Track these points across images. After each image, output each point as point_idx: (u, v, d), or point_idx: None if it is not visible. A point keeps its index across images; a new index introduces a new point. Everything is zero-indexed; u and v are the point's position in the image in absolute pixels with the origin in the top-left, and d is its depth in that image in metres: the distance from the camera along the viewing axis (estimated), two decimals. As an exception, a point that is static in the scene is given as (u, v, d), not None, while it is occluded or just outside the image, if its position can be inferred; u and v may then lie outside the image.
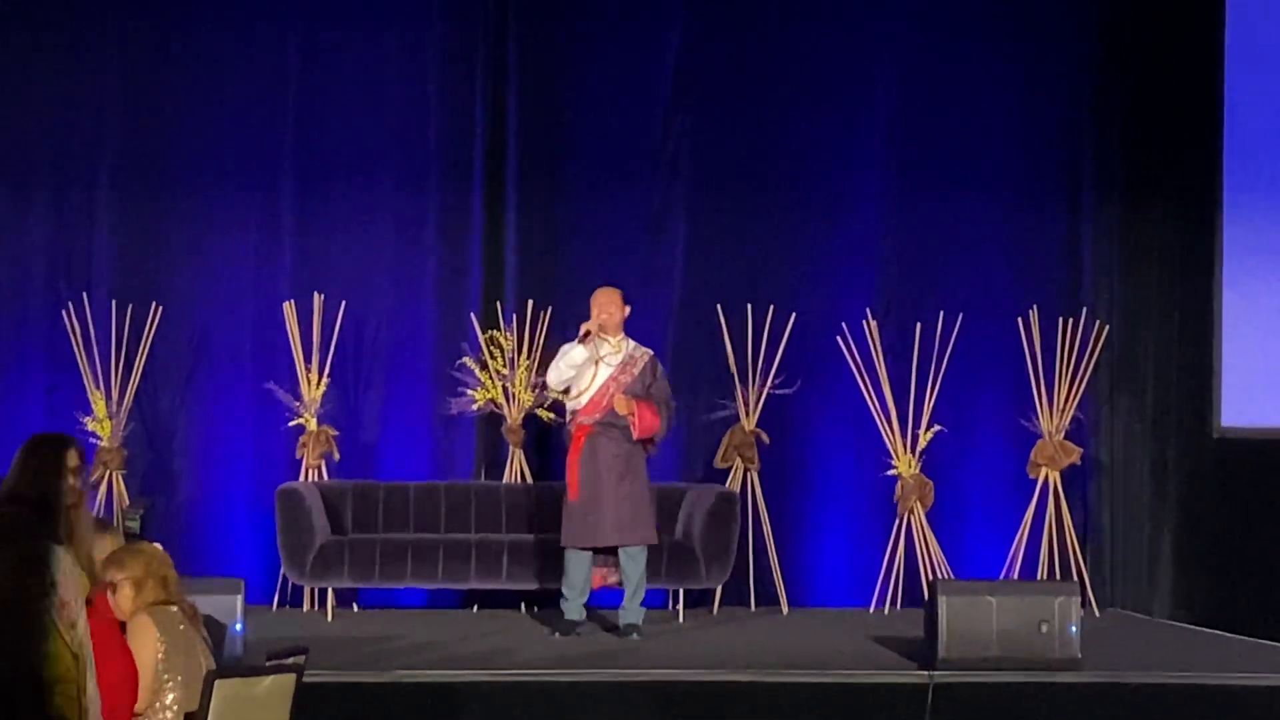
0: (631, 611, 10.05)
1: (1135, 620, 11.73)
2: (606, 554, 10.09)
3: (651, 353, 10.23)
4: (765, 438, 11.80)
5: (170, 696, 6.32)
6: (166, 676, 6.34)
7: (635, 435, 9.94)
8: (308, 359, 11.61)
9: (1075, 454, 11.87)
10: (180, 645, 6.43)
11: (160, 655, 6.31)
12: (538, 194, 12.18)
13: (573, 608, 10.06)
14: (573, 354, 10.03)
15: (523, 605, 11.36)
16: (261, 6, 12.05)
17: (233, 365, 11.93)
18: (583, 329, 10.04)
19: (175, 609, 6.51)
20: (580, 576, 10.01)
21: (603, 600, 10.53)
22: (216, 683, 5.87)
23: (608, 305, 10.09)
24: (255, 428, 11.87)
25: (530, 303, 11.77)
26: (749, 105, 12.24)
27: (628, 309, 10.16)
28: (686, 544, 11.06)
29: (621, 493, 9.92)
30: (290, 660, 6.30)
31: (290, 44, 12.05)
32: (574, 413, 10.12)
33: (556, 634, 10.02)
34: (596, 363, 10.02)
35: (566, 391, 10.20)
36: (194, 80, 11.94)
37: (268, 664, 6.27)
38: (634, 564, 10.00)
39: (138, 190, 11.92)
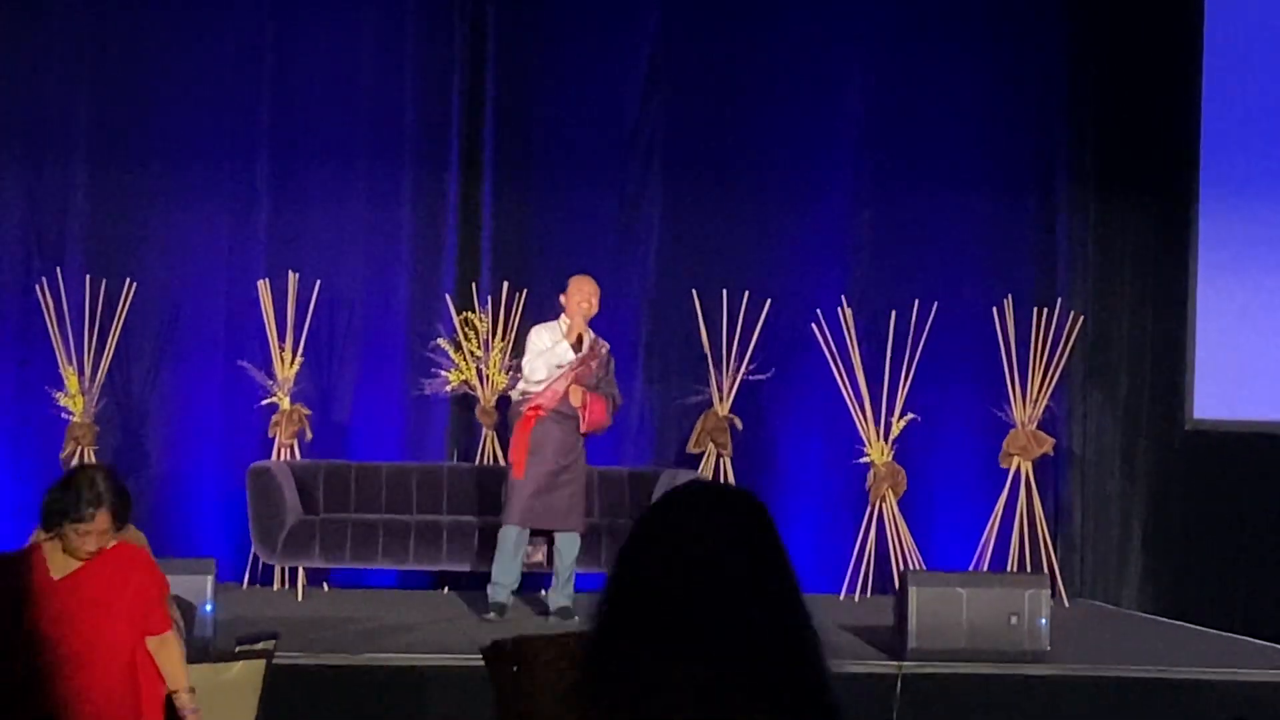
0: (563, 595, 10.03)
1: (1105, 611, 11.75)
2: (536, 535, 10.09)
3: (608, 345, 10.18)
4: (738, 423, 11.79)
5: None
6: None
7: (583, 428, 9.97)
8: (281, 337, 11.57)
9: (1047, 444, 11.88)
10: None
11: None
12: (513, 176, 12.15)
13: (503, 592, 9.95)
14: (558, 351, 9.91)
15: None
16: (237, -18, 12.02)
17: (206, 342, 11.89)
18: (573, 334, 9.93)
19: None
20: (516, 556, 9.93)
21: (535, 584, 10.52)
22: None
23: (592, 296, 9.98)
24: (227, 406, 11.83)
25: (505, 284, 11.75)
26: (725, 91, 12.23)
27: None
28: (658, 528, 11.03)
29: (567, 480, 9.94)
30: (260, 646, 6.29)
31: (265, 20, 12.00)
32: (526, 394, 10.05)
33: (492, 615, 9.88)
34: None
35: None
36: (169, 55, 11.89)
37: (237, 650, 6.26)
38: (570, 549, 10.01)
39: (112, 165, 11.86)
